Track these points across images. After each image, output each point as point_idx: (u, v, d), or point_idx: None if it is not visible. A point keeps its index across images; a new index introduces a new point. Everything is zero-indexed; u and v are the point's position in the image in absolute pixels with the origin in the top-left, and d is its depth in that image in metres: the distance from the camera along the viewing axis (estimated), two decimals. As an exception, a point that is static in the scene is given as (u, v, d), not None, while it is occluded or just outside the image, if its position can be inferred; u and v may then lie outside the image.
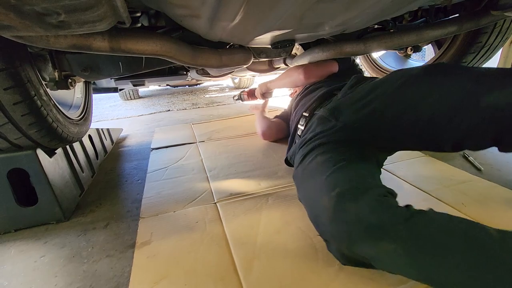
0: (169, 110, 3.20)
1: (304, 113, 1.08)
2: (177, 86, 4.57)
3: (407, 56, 1.87)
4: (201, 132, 1.72)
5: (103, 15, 0.42)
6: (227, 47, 1.00)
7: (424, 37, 1.06)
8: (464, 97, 0.64)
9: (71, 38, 0.59)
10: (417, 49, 1.49)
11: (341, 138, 0.82)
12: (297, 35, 0.84)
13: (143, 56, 0.91)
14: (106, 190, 1.08)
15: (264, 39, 0.83)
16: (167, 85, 3.97)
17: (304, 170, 0.81)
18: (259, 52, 1.16)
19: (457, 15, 1.14)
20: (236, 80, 4.58)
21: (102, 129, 1.48)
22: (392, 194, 0.62)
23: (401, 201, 0.58)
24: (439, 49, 1.52)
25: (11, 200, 0.83)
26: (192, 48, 0.82)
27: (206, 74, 1.59)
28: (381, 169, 1.04)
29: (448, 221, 0.51)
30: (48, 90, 0.83)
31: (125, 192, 1.06)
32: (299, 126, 1.10)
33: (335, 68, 1.32)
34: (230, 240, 0.74)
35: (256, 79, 4.91)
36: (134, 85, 1.45)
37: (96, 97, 4.66)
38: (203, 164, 1.24)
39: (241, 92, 1.81)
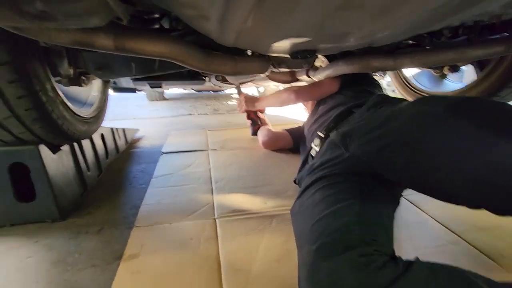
0: (190, 114, 3.23)
1: (320, 133, 1.00)
2: (201, 91, 4.65)
3: (443, 76, 1.72)
4: (215, 140, 1.68)
5: (90, 8, 0.38)
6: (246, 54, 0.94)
7: (464, 56, 0.95)
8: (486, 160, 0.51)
9: (73, 33, 0.56)
10: (455, 69, 1.36)
11: (347, 170, 0.73)
12: (319, 46, 0.77)
13: (155, 58, 0.88)
14: (108, 192, 1.05)
15: (282, 48, 0.77)
16: (192, 89, 4.05)
17: (300, 207, 0.73)
18: (279, 61, 1.09)
19: (506, 34, 1.01)
20: (261, 89, 4.56)
21: (117, 129, 1.48)
22: (381, 250, 0.50)
23: (427, 242, 0.48)
24: (481, 71, 1.37)
25: (9, 194, 0.81)
26: (205, 52, 0.77)
27: (225, 81, 1.56)
28: (403, 198, 0.93)
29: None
30: (57, 85, 0.81)
31: (126, 196, 1.02)
32: (313, 145, 1.02)
33: (333, 88, 1.23)
34: (223, 265, 0.67)
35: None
36: (152, 87, 1.44)
37: (123, 96, 4.83)
38: (211, 174, 1.18)
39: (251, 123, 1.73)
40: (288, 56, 0.87)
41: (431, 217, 0.87)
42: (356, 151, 0.74)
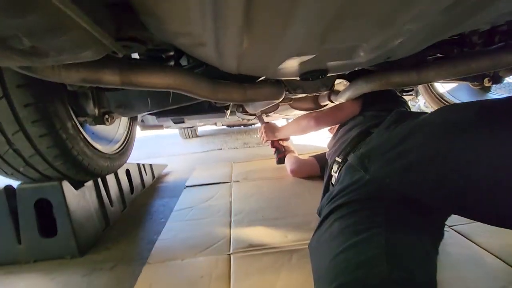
0: (220, 149, 3.30)
1: (337, 158, 0.93)
2: (232, 126, 4.79)
3: (485, 89, 1.55)
4: (239, 171, 1.65)
5: (79, 41, 0.39)
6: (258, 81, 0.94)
7: (500, 63, 0.84)
8: None
9: (81, 71, 0.59)
10: (496, 79, 1.22)
11: (369, 195, 0.64)
12: (328, 64, 0.73)
13: (169, 91, 0.91)
14: (129, 227, 1.05)
15: (289, 70, 0.75)
16: (223, 124, 4.19)
17: (318, 241, 0.65)
18: (294, 87, 1.07)
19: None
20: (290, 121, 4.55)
21: (144, 164, 1.54)
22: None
23: (483, 284, 0.37)
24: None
25: (34, 230, 0.84)
26: (212, 81, 0.78)
27: (245, 112, 1.57)
28: (451, 229, 0.79)
29: None
30: (78, 123, 0.86)
31: (144, 231, 1.01)
32: (332, 173, 0.94)
33: (354, 110, 1.15)
34: (233, 308, 0.59)
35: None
36: (175, 123, 1.50)
37: (159, 136, 5.16)
38: (231, 206, 1.13)
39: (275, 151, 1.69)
40: (298, 78, 0.85)
41: (487, 251, 0.71)
42: (377, 173, 0.65)
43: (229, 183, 1.44)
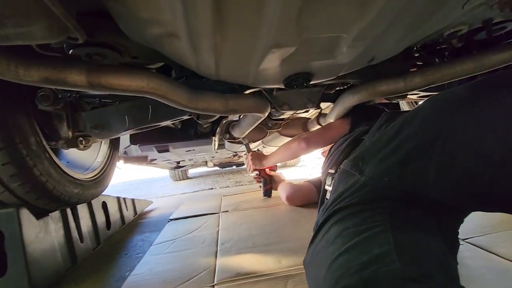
0: (211, 188, 3.18)
1: (330, 170, 0.86)
2: (224, 167, 4.71)
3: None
4: (229, 203, 1.54)
5: (20, 5, 0.35)
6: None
7: (486, 64, 0.83)
8: None
9: (43, 70, 0.54)
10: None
11: (367, 197, 0.56)
12: (312, 65, 0.71)
13: (147, 106, 0.86)
14: (99, 264, 0.90)
15: (272, 73, 0.71)
16: (214, 165, 4.11)
17: (313, 251, 0.56)
18: (280, 103, 1.04)
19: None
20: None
21: (125, 199, 1.42)
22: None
23: None
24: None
25: (-21, 269, 0.71)
26: (190, 89, 0.74)
27: (233, 139, 1.52)
28: (465, 242, 0.70)
29: None
30: (45, 142, 0.79)
31: (116, 268, 0.86)
32: (326, 187, 0.86)
33: (344, 128, 1.10)
34: None
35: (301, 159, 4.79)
36: (159, 151, 1.42)
37: (149, 178, 5.00)
38: (218, 236, 1.01)
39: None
40: (283, 87, 0.82)
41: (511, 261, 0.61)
42: (374, 173, 0.57)
43: (217, 214, 1.32)
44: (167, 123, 0.95)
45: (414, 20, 0.60)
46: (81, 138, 0.94)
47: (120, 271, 0.83)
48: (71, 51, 0.63)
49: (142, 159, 1.64)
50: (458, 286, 0.36)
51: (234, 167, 5.04)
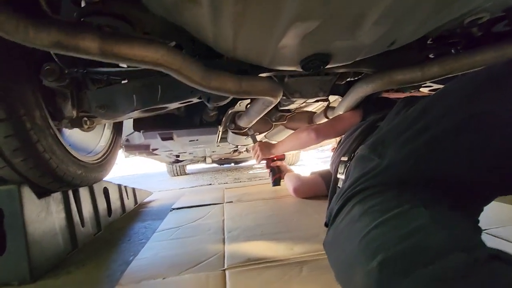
0: (210, 184, 3.15)
1: (343, 158, 0.83)
2: (223, 164, 4.68)
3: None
4: (232, 195, 1.51)
5: None
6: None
7: (508, 53, 0.81)
8: None
9: (54, 34, 0.51)
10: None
11: (388, 180, 0.53)
12: (332, 45, 0.68)
13: (157, 85, 0.83)
14: (100, 249, 0.87)
15: (290, 53, 0.69)
16: (213, 161, 4.07)
17: (334, 232, 0.53)
18: (291, 91, 1.02)
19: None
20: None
21: (126, 187, 1.38)
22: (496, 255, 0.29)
23: None
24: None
25: (-24, 247, 0.67)
26: (204, 67, 0.71)
27: (239, 129, 1.49)
28: (485, 233, 0.67)
29: None
30: (48, 115, 0.75)
31: (119, 253, 0.83)
32: (338, 176, 0.83)
33: (355, 120, 1.08)
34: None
35: (302, 155, 4.77)
36: (163, 139, 1.38)
37: (147, 174, 4.96)
38: (224, 225, 0.98)
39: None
40: (298, 69, 0.80)
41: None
42: (395, 157, 0.55)
43: (221, 204, 1.29)
44: (176, 105, 0.92)
45: (440, 1, 0.58)
46: (85, 118, 0.91)
47: (123, 256, 0.80)
48: (82, 18, 0.60)
49: (144, 148, 1.60)
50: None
51: (233, 164, 5.02)
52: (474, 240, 0.33)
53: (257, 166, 5.09)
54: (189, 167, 4.94)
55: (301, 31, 0.59)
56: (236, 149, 2.98)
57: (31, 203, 0.72)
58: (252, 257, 0.69)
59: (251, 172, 4.15)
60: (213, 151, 2.80)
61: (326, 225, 0.84)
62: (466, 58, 0.84)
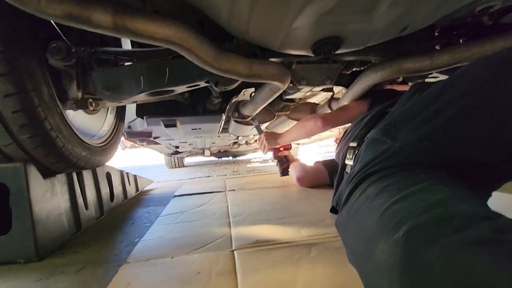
0: (208, 176, 3.14)
1: (352, 143, 0.83)
2: (221, 157, 4.67)
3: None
4: (234, 183, 1.50)
5: None
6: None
7: (517, 42, 0.82)
8: None
9: (66, 5, 0.50)
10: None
11: (401, 162, 0.53)
12: (345, 28, 0.68)
13: (165, 67, 0.82)
14: (105, 232, 0.86)
15: (303, 33, 0.68)
16: (211, 154, 4.06)
17: (349, 211, 0.53)
18: (298, 78, 1.01)
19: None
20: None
21: (127, 173, 1.37)
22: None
23: None
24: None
25: (-20, 224, 0.66)
26: (216, 47, 0.70)
27: (243, 118, 1.48)
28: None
29: None
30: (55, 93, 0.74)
31: (124, 234, 0.83)
32: (347, 161, 0.83)
33: (361, 109, 1.08)
34: (244, 305, 0.43)
35: (301, 150, 4.78)
36: (166, 126, 1.37)
37: (145, 166, 4.94)
38: (228, 210, 0.98)
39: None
40: (308, 54, 0.79)
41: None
42: (409, 138, 0.54)
43: (224, 192, 1.28)
44: (183, 88, 0.91)
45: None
46: (90, 100, 0.89)
47: (129, 238, 0.79)
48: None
49: (145, 136, 1.59)
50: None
51: (231, 158, 5.01)
52: (494, 212, 0.33)
53: (255, 160, 5.09)
54: (187, 160, 4.92)
55: (318, 10, 0.58)
56: (236, 141, 2.97)
57: (36, 182, 0.71)
58: (260, 239, 0.69)
59: (249, 165, 4.16)
60: (213, 143, 2.79)
61: (332, 210, 0.84)
62: (476, 47, 0.84)
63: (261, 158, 5.37)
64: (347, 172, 0.83)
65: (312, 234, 0.70)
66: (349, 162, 0.82)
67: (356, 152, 0.78)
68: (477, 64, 0.54)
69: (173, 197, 1.25)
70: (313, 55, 0.78)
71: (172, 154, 3.62)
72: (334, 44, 0.74)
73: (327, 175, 1.25)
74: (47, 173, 0.77)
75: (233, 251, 0.63)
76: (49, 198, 0.75)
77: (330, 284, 0.48)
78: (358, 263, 0.42)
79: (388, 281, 0.30)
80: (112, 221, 0.98)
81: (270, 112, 1.61)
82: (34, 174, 0.71)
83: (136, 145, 2.14)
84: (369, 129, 0.79)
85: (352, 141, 0.83)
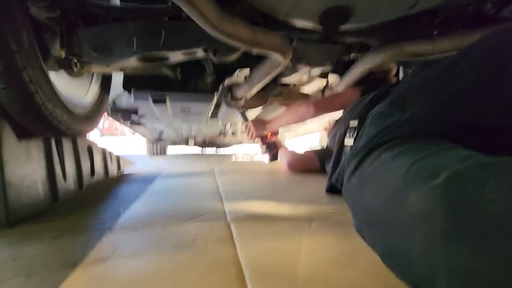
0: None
1: (352, 122, 0.80)
2: (205, 147, 4.56)
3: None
4: (221, 168, 1.46)
5: None
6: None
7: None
8: None
9: None
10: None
11: (412, 133, 0.51)
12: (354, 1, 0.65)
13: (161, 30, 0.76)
14: (86, 203, 0.79)
15: (310, 5, 0.65)
16: (195, 144, 3.96)
17: (360, 177, 0.51)
18: (298, 57, 0.98)
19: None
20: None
21: (110, 152, 1.29)
22: None
23: None
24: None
25: None
26: (220, 8, 0.65)
27: (234, 99, 1.44)
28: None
29: None
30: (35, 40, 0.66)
31: (107, 205, 0.76)
32: (346, 142, 0.80)
33: (354, 95, 1.07)
34: (247, 269, 0.40)
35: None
36: (154, 101, 1.29)
37: (125, 155, 4.74)
38: (218, 189, 0.94)
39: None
40: (314, 29, 0.76)
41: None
42: (421, 108, 0.52)
43: (213, 173, 1.24)
44: (178, 55, 0.85)
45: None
46: (75, 61, 0.82)
47: (113, 209, 0.73)
48: None
49: (129, 114, 1.49)
50: None
51: (215, 150, 4.92)
52: None
53: (240, 154, 5.04)
54: (170, 150, 4.79)
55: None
56: (223, 132, 2.91)
57: (10, 141, 0.64)
58: (257, 213, 0.65)
59: (233, 160, 4.10)
60: (199, 130, 2.71)
61: (329, 190, 0.82)
62: (477, 34, 0.84)
63: (246, 153, 5.32)
64: (346, 152, 0.81)
65: (310, 211, 0.67)
66: (348, 142, 0.79)
67: (358, 129, 0.75)
68: (487, 37, 0.53)
69: (159, 177, 1.19)
70: (318, 27, 0.76)
71: (156, 140, 3.50)
72: (342, 15, 0.71)
73: (318, 162, 1.23)
74: (23, 134, 0.69)
75: (229, 223, 0.59)
76: (23, 162, 0.67)
77: (338, 251, 0.45)
78: (373, 225, 0.40)
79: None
80: (94, 196, 0.90)
81: (263, 97, 1.57)
82: (8, 133, 0.63)
83: (118, 125, 2.03)
84: (371, 107, 0.77)
85: (353, 120, 0.80)
